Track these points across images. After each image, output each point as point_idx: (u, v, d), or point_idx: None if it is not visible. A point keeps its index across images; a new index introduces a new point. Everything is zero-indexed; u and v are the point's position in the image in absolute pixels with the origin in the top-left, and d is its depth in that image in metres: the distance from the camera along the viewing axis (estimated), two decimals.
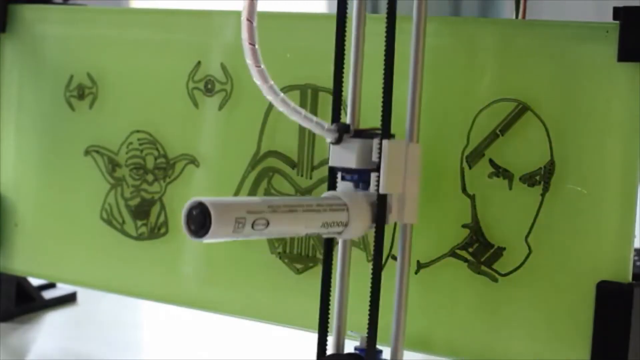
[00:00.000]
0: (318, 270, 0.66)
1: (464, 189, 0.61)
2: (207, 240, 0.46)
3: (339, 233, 0.53)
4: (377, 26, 0.57)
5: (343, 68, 0.57)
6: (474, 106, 0.60)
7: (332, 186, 0.56)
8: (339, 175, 0.56)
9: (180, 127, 0.72)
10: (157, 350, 0.83)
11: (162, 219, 0.73)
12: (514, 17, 0.63)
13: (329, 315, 0.57)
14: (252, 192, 0.68)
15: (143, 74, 0.73)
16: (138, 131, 0.74)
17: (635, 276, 0.56)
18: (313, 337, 0.58)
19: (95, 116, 0.76)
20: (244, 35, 0.52)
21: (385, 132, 0.54)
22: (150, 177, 0.73)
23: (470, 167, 0.60)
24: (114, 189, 0.75)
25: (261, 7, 0.55)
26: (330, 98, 0.65)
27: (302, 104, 0.66)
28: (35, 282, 0.88)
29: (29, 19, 0.79)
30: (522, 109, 0.59)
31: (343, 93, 0.57)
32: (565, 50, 0.57)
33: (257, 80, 0.52)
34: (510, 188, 0.59)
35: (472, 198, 0.60)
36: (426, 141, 0.62)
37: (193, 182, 0.71)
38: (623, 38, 0.55)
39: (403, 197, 0.55)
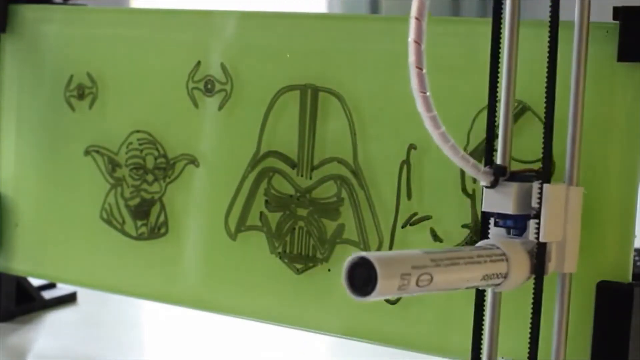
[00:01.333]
0: (318, 270, 0.66)
1: (464, 189, 0.61)
2: (371, 298, 0.43)
3: (497, 285, 0.50)
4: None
5: (497, 94, 0.52)
6: (474, 106, 0.60)
7: (485, 233, 0.53)
8: (491, 221, 0.52)
9: (180, 127, 0.72)
10: (158, 350, 0.83)
11: (162, 219, 0.73)
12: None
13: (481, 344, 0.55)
14: (252, 192, 0.68)
15: (143, 74, 0.73)
16: (138, 131, 0.74)
17: (635, 276, 0.56)
18: (313, 337, 0.58)
19: (95, 116, 0.76)
20: (412, 58, 0.48)
21: (546, 175, 0.51)
22: (150, 177, 0.73)
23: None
24: (114, 189, 0.75)
25: (261, 7, 0.54)
26: (331, 98, 0.65)
27: (302, 104, 0.66)
28: (35, 282, 0.88)
29: (29, 19, 0.79)
30: (522, 109, 0.59)
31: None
32: (564, 51, 0.57)
33: (420, 108, 0.48)
34: None
35: (472, 198, 0.60)
36: (426, 141, 0.62)
37: (193, 182, 0.71)
38: (623, 38, 0.55)
39: (563, 245, 0.52)
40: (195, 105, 0.71)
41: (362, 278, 0.44)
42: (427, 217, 0.62)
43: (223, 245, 0.70)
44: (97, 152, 0.76)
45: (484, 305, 0.54)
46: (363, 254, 0.44)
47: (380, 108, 0.63)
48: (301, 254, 0.67)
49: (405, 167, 0.63)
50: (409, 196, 0.63)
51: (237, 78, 0.69)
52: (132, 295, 0.77)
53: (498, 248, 0.50)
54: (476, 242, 0.60)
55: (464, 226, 0.61)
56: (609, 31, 0.56)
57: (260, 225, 0.68)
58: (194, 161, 0.71)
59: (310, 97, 0.66)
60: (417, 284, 0.45)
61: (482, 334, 0.54)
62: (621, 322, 0.55)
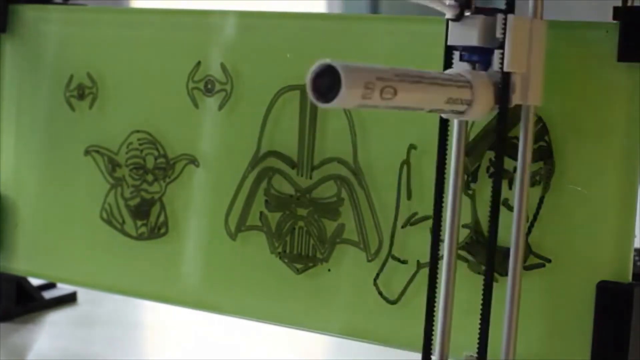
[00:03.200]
0: (318, 270, 0.66)
1: (464, 189, 0.60)
2: (334, 104, 0.43)
3: (462, 112, 0.50)
4: None
5: None
6: None
7: (448, 66, 0.53)
8: (456, 56, 0.53)
9: (180, 127, 0.72)
10: (158, 350, 0.83)
11: (162, 219, 0.73)
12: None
13: (433, 335, 0.56)
14: (252, 192, 0.68)
15: (143, 74, 0.73)
16: (138, 131, 0.74)
17: (635, 276, 0.56)
18: (313, 337, 0.58)
19: (95, 116, 0.76)
20: None
21: (510, 7, 0.51)
22: (150, 177, 0.73)
23: (470, 167, 0.60)
24: (114, 189, 0.75)
25: (261, 7, 0.54)
26: None
27: (302, 104, 0.66)
28: (35, 282, 0.88)
29: (29, 19, 0.79)
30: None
31: None
32: (565, 50, 0.57)
33: None
34: (510, 188, 0.59)
35: (472, 198, 0.60)
36: (426, 141, 0.62)
37: (193, 182, 0.71)
38: (623, 38, 0.55)
39: (527, 77, 0.52)
40: (195, 105, 0.71)
41: (326, 85, 0.44)
42: (427, 217, 0.62)
43: (223, 245, 0.70)
44: (97, 152, 0.76)
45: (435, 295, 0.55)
46: (329, 61, 0.44)
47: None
48: (301, 254, 0.67)
49: (405, 167, 0.63)
50: (409, 196, 0.63)
51: (237, 78, 0.69)
52: (132, 295, 0.77)
53: (463, 76, 0.50)
54: (477, 241, 0.60)
55: (464, 226, 0.61)
56: (609, 31, 0.56)
57: (260, 225, 0.68)
58: (194, 161, 0.71)
59: None
60: (380, 96, 0.45)
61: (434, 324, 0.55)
62: (621, 322, 0.55)
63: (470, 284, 0.60)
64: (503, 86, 0.51)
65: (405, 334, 0.63)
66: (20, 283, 0.86)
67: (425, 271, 0.62)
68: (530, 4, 0.53)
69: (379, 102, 0.45)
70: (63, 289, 0.91)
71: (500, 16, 0.51)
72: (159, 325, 0.88)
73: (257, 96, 0.68)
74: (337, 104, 0.43)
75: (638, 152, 0.56)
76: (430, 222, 0.62)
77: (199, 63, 0.71)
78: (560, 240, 0.58)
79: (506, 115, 0.52)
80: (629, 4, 0.56)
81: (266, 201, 0.68)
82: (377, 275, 0.64)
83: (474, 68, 0.53)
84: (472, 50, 0.52)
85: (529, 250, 0.59)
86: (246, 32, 0.69)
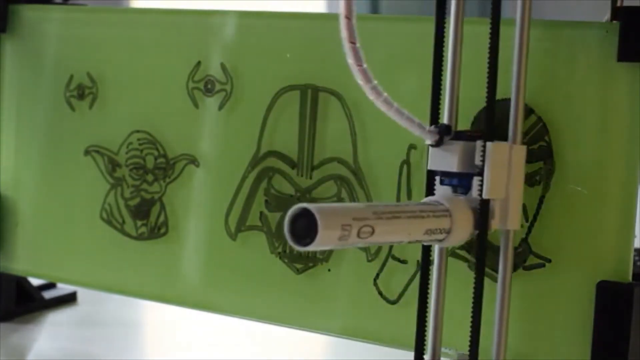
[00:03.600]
0: (318, 270, 0.66)
1: None
2: (312, 248, 0.44)
3: (441, 241, 0.51)
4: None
5: (442, 68, 0.54)
6: (473, 106, 0.60)
7: (430, 191, 0.54)
8: (437, 179, 0.54)
9: (180, 127, 0.72)
10: (158, 350, 0.83)
11: (162, 219, 0.73)
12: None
13: (425, 333, 0.56)
14: (252, 192, 0.68)
15: (143, 74, 0.73)
16: (138, 131, 0.74)
17: (635, 276, 0.56)
18: (313, 337, 0.58)
19: (95, 116, 0.76)
20: (344, 34, 0.50)
21: (489, 133, 0.52)
22: (150, 177, 0.73)
23: None
24: (114, 189, 0.75)
25: (261, 7, 0.54)
26: (331, 98, 0.65)
27: (302, 104, 0.66)
28: (35, 282, 0.88)
29: (29, 19, 0.79)
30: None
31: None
32: (564, 50, 0.57)
33: (360, 81, 0.49)
34: None
35: None
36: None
37: (193, 182, 0.71)
38: (623, 38, 0.55)
39: (506, 203, 0.53)
40: (195, 105, 0.71)
41: (303, 228, 0.44)
42: None
43: (223, 245, 0.70)
44: (97, 152, 0.76)
45: (427, 294, 0.55)
46: (305, 204, 0.44)
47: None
48: (301, 254, 0.67)
49: (405, 167, 0.63)
50: (409, 196, 0.63)
51: (237, 78, 0.69)
52: (131, 295, 0.77)
53: (442, 204, 0.51)
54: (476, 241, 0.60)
55: None
56: (609, 31, 0.56)
57: (260, 225, 0.68)
58: (194, 161, 0.71)
59: (310, 97, 0.66)
60: (358, 235, 0.46)
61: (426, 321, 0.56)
62: (621, 322, 0.55)
63: (470, 283, 0.60)
64: (482, 213, 0.52)
65: (405, 334, 0.63)
66: (20, 283, 0.86)
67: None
68: (510, 127, 0.54)
69: (356, 241, 0.46)
70: (63, 289, 0.91)
71: (479, 143, 0.52)
72: (159, 325, 0.88)
73: (257, 96, 0.68)
74: (314, 247, 0.44)
75: (638, 152, 0.56)
76: None
77: (199, 63, 0.71)
78: (560, 240, 0.58)
79: (485, 241, 0.53)
80: (619, 4, 0.56)
81: (266, 201, 0.68)
82: (377, 275, 0.64)
83: (454, 191, 0.53)
84: (452, 176, 0.53)
85: (529, 250, 0.59)
86: (246, 32, 0.69)
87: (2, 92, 0.80)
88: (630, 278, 0.56)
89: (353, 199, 0.65)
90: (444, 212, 0.51)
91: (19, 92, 0.80)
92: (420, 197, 0.62)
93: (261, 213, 0.68)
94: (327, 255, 0.66)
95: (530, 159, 0.58)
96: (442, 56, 0.55)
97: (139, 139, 0.74)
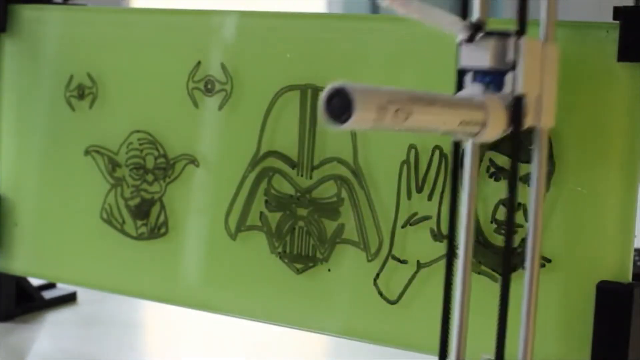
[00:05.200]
0: (318, 270, 0.66)
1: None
2: (347, 126, 0.43)
3: (475, 134, 0.50)
4: None
5: None
6: None
7: (460, 88, 0.53)
8: (468, 77, 0.52)
9: (180, 127, 0.72)
10: (157, 350, 0.83)
11: (162, 219, 0.73)
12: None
13: (448, 336, 0.54)
14: (252, 192, 0.68)
15: (143, 74, 0.73)
16: (138, 131, 0.74)
17: (635, 276, 0.56)
18: (313, 337, 0.58)
19: (95, 116, 0.76)
20: None
21: (522, 29, 0.51)
22: (150, 177, 0.73)
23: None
24: (114, 189, 0.75)
25: (261, 7, 0.54)
26: None
27: (302, 104, 0.66)
28: (35, 282, 0.88)
29: (29, 19, 0.79)
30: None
31: None
32: (565, 50, 0.57)
33: None
34: None
35: None
36: (426, 141, 0.62)
37: (193, 182, 0.71)
38: (623, 38, 0.55)
39: (540, 99, 0.52)
40: (195, 105, 0.71)
41: (338, 107, 0.43)
42: (427, 217, 0.62)
43: (223, 245, 0.70)
44: (97, 152, 0.76)
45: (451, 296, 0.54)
46: (342, 83, 0.43)
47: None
48: (301, 254, 0.67)
49: (405, 167, 0.63)
50: (409, 196, 0.63)
51: (237, 78, 0.69)
52: (132, 295, 0.77)
53: (476, 98, 0.50)
54: (477, 241, 0.60)
55: None
56: (609, 31, 0.56)
57: (260, 225, 0.68)
58: (194, 161, 0.71)
59: (310, 97, 0.66)
60: (393, 118, 0.45)
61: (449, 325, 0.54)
62: (621, 322, 0.55)
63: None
64: (515, 108, 0.51)
65: (405, 334, 0.63)
66: (20, 283, 0.86)
67: (425, 271, 0.62)
68: (543, 26, 0.53)
69: (391, 124, 0.45)
70: (63, 289, 0.91)
71: (512, 38, 0.51)
72: (159, 325, 0.88)
73: (257, 96, 0.68)
74: (350, 126, 0.43)
75: (638, 152, 0.56)
76: (430, 222, 0.62)
77: (199, 63, 0.71)
78: (560, 240, 0.58)
79: (519, 138, 0.51)
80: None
81: (266, 201, 0.68)
82: (377, 275, 0.64)
83: (487, 90, 0.52)
84: (485, 72, 0.52)
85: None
86: (246, 32, 0.69)
87: (2, 92, 0.80)
88: (630, 278, 0.56)
89: (353, 199, 0.65)
90: (480, 104, 0.49)
91: (19, 92, 0.80)
92: (420, 197, 0.62)
93: (261, 213, 0.68)
94: (327, 255, 0.66)
95: (530, 159, 0.58)
96: None
97: (139, 139, 0.74)
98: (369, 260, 0.64)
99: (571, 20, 0.58)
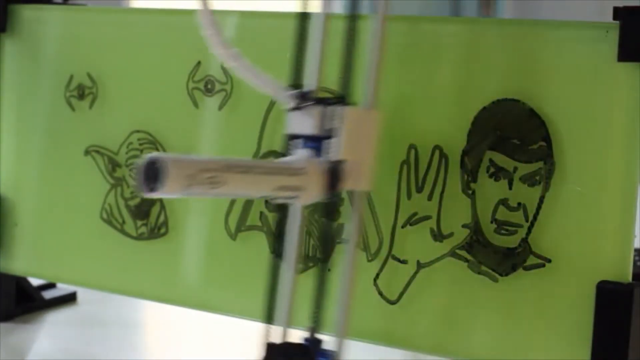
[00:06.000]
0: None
1: (463, 190, 0.60)
2: (158, 195, 0.45)
3: (294, 198, 0.52)
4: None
5: (306, 35, 0.57)
6: (474, 106, 0.60)
7: (288, 153, 0.55)
8: (299, 142, 0.55)
9: (180, 127, 0.72)
10: (157, 350, 0.83)
11: (162, 219, 0.73)
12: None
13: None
14: None
15: (143, 74, 0.73)
16: (138, 131, 0.74)
17: (635, 276, 0.56)
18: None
19: (95, 116, 0.76)
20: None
21: (345, 98, 0.54)
22: None
23: (470, 167, 0.60)
24: (114, 189, 0.75)
25: (261, 7, 0.55)
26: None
27: None
28: (35, 282, 0.88)
29: (29, 19, 0.79)
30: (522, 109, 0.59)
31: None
32: (565, 50, 0.57)
33: (218, 49, 0.53)
34: (510, 188, 0.59)
35: (472, 198, 0.60)
36: (426, 141, 0.62)
37: None
38: (623, 38, 0.55)
39: (359, 165, 0.54)
40: (196, 105, 0.71)
41: (152, 175, 0.45)
42: (427, 217, 0.62)
43: (223, 245, 0.70)
44: (97, 152, 0.76)
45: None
46: (157, 154, 0.46)
47: (380, 108, 0.63)
48: (301, 254, 0.67)
49: (405, 167, 0.63)
50: (409, 196, 0.63)
51: (237, 78, 0.69)
52: (131, 295, 0.77)
53: (297, 163, 0.52)
54: (477, 241, 0.60)
55: (464, 226, 0.61)
56: (609, 31, 0.56)
57: (260, 225, 0.68)
58: None
59: None
60: (206, 185, 0.47)
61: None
62: (621, 322, 0.55)
63: (469, 283, 0.60)
64: (334, 173, 0.53)
65: (405, 334, 0.63)
66: (20, 283, 0.86)
67: (425, 271, 0.62)
68: (367, 94, 0.56)
69: (204, 192, 0.47)
70: (63, 289, 0.91)
71: (337, 107, 0.54)
72: (159, 325, 0.88)
73: (257, 96, 0.68)
74: (161, 194, 0.45)
75: (638, 152, 0.56)
76: (430, 222, 0.62)
77: (199, 63, 0.71)
78: (560, 240, 0.58)
79: (335, 202, 0.55)
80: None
81: (266, 201, 0.68)
82: (377, 275, 0.64)
83: (313, 155, 0.54)
84: (310, 139, 0.54)
85: (529, 250, 0.59)
86: (246, 32, 0.69)
87: (2, 92, 0.80)
88: (630, 278, 0.56)
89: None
90: (298, 170, 0.52)
91: (19, 92, 0.80)
92: (420, 197, 0.62)
93: (261, 213, 0.68)
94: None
95: (530, 159, 0.58)
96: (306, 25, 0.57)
97: (139, 139, 0.74)
98: (369, 260, 0.64)
99: (571, 20, 0.58)
